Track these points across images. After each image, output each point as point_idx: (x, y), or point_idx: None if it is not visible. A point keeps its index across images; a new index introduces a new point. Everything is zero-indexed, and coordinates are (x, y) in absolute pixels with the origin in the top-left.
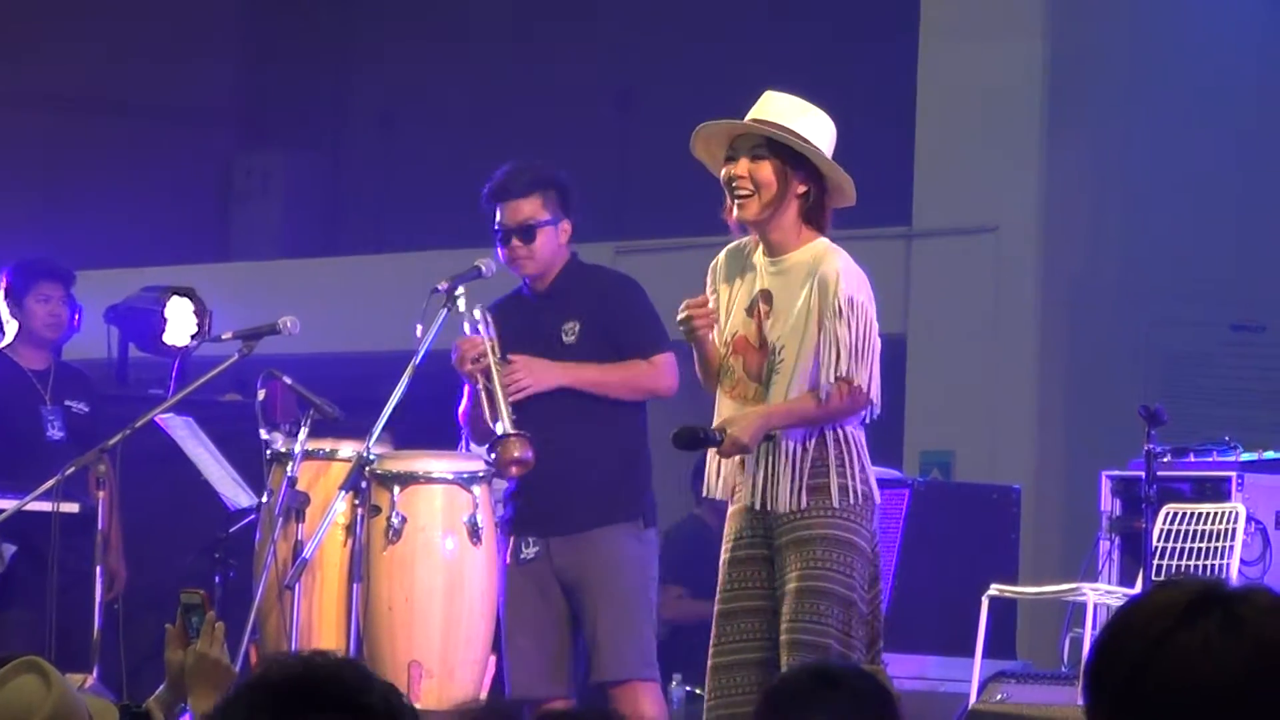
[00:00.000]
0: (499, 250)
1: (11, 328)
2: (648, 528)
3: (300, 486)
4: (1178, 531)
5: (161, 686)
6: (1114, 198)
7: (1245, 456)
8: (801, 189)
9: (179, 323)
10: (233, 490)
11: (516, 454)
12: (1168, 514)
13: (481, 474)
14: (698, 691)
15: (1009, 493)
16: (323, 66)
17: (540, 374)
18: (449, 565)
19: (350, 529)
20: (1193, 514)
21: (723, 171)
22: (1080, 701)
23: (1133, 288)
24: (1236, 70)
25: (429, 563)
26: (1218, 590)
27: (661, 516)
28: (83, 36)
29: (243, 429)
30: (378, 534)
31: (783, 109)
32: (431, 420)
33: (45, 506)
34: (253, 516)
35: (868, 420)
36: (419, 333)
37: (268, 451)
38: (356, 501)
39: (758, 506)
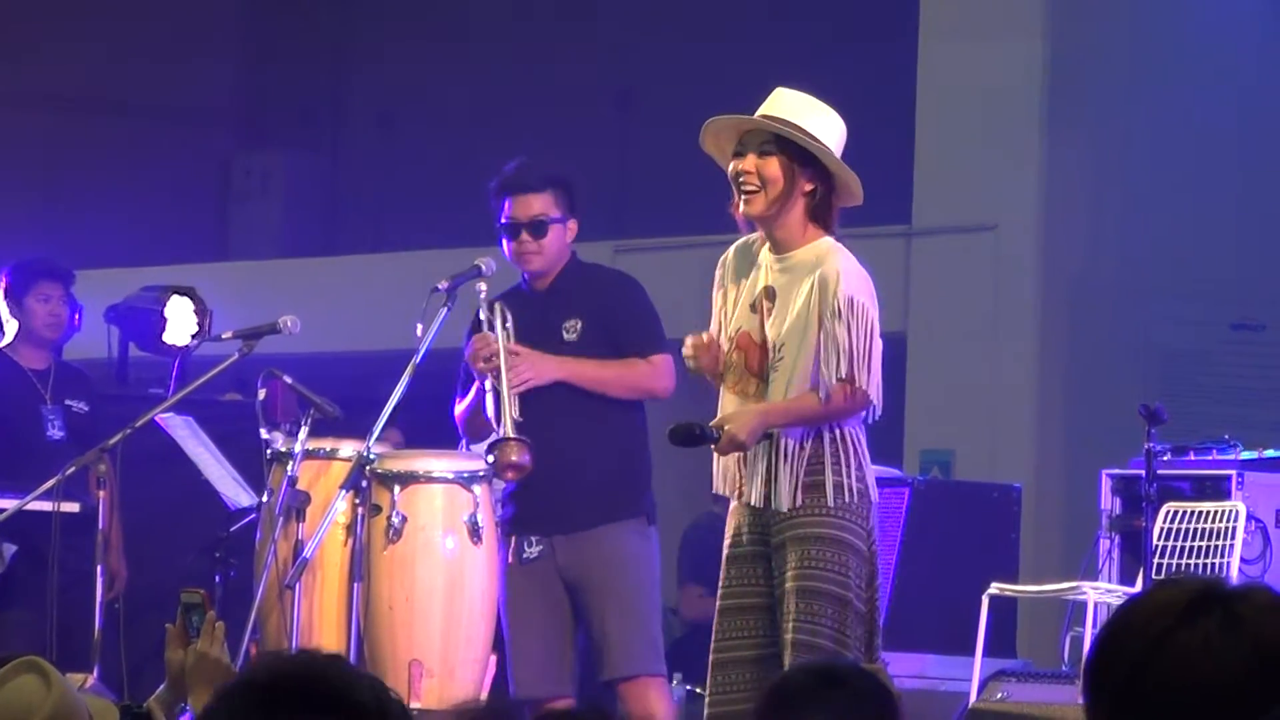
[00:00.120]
0: (505, 244)
1: (11, 327)
2: (650, 525)
3: (301, 486)
4: (1178, 530)
5: (162, 686)
6: (1113, 196)
7: (1245, 455)
8: (808, 187)
9: (179, 322)
10: (233, 490)
11: (514, 458)
12: (1168, 512)
13: (482, 473)
14: (698, 690)
15: (1009, 491)
16: (322, 66)
17: (541, 367)
18: (449, 564)
19: (351, 528)
20: (1193, 512)
21: (730, 166)
22: (1080, 700)
23: (1132, 286)
24: (1235, 69)
25: (429, 562)
26: (1217, 589)
27: (660, 515)
28: (82, 37)
29: (243, 428)
30: (378, 533)
31: (793, 106)
32: (432, 419)
33: (46, 506)
34: (253, 516)
35: (870, 421)
36: (419, 332)
37: (268, 451)
38: (357, 501)
39: (756, 504)
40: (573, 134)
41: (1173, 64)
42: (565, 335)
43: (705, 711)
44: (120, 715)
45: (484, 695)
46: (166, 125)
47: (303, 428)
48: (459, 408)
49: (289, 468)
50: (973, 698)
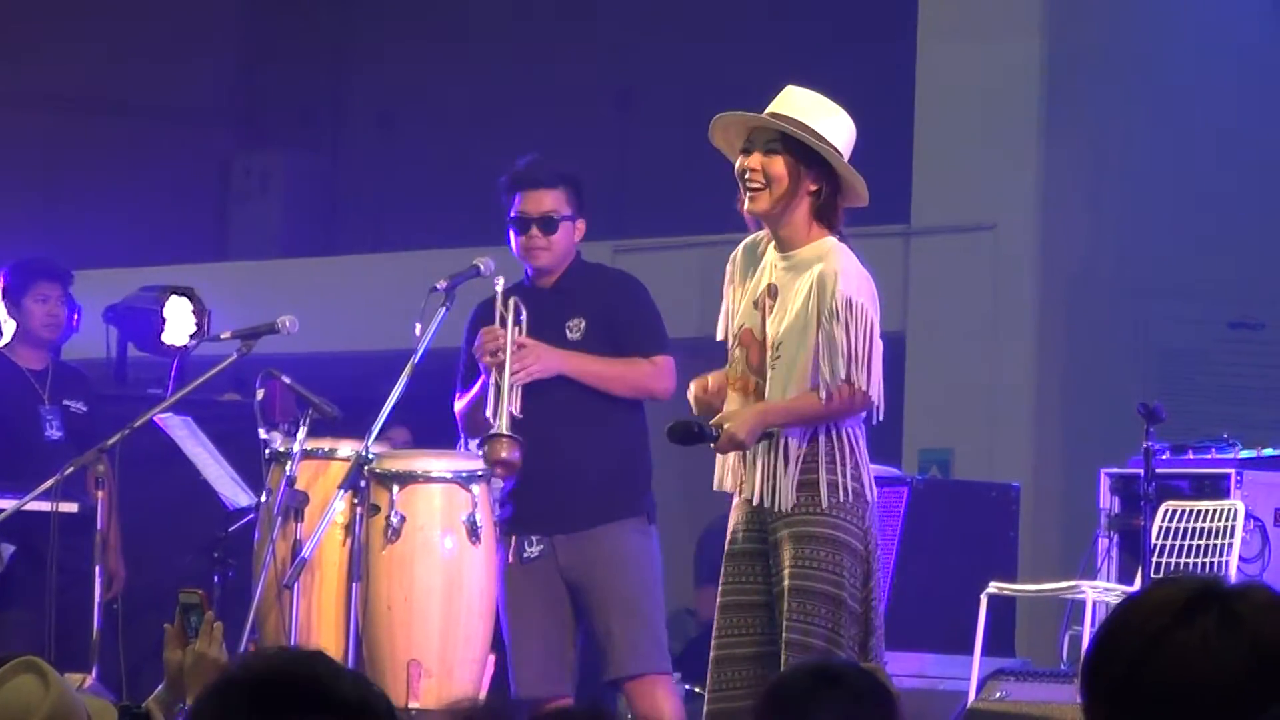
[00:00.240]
0: (513, 238)
1: (9, 328)
2: (650, 524)
3: (299, 486)
4: (1176, 529)
5: (160, 686)
6: (1112, 195)
7: (1244, 454)
8: (813, 187)
9: (178, 322)
10: (232, 490)
11: (504, 455)
12: (1166, 511)
13: (480, 473)
14: (697, 690)
15: (1008, 490)
16: (321, 66)
17: (547, 358)
18: (448, 564)
19: (349, 528)
20: (1191, 511)
21: (737, 163)
22: (1078, 699)
23: (1131, 285)
24: (1233, 68)
25: (428, 562)
26: (1215, 588)
27: (660, 515)
28: (82, 37)
29: (241, 428)
30: (377, 533)
31: (803, 105)
32: (437, 418)
33: (44, 506)
34: (252, 516)
35: (874, 422)
36: (418, 331)
37: (266, 451)
38: (355, 501)
39: (755, 502)
40: (572, 134)
41: (1171, 63)
42: (569, 334)
43: (705, 708)
44: (119, 715)
45: (483, 694)
46: (166, 125)
47: (301, 428)
48: (459, 403)
49: (287, 468)
50: (971, 697)
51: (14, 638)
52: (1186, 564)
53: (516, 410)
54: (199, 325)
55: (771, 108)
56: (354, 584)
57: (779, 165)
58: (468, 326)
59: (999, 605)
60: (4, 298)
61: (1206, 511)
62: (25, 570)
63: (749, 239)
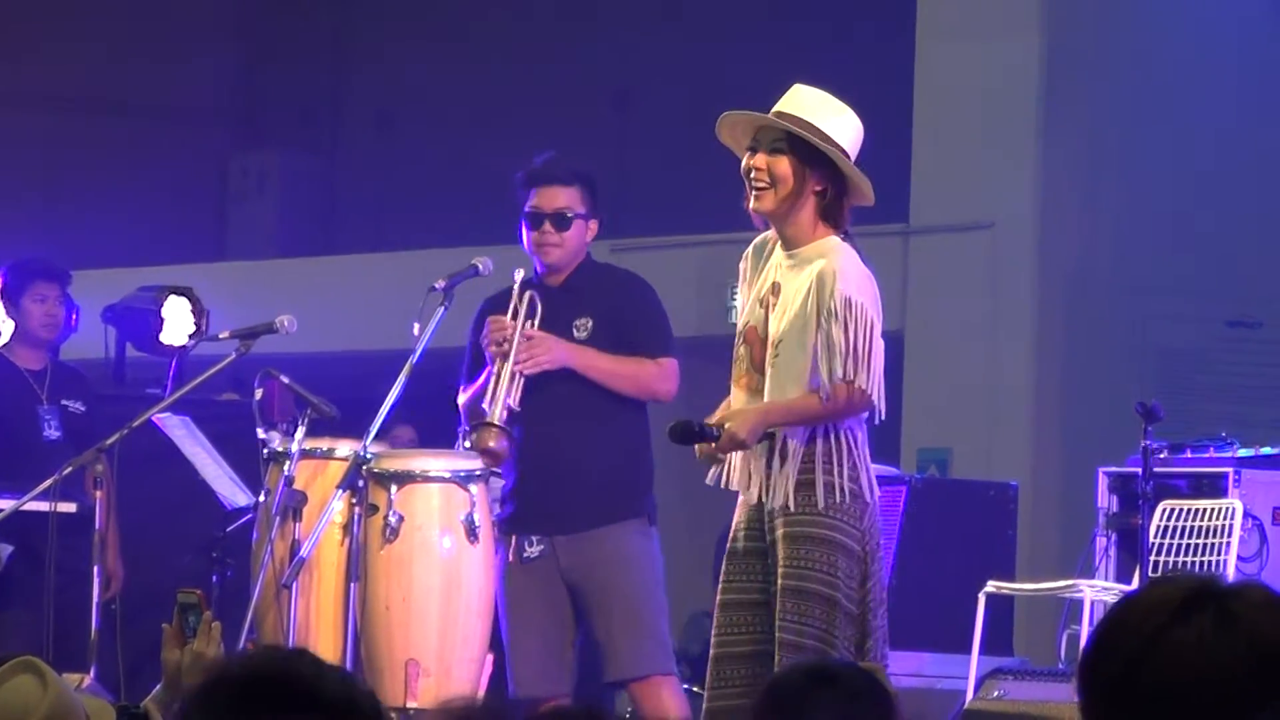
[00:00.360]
0: (525, 233)
1: (7, 328)
2: (651, 526)
3: (297, 485)
4: (1174, 528)
5: (159, 686)
6: (1110, 194)
7: (1242, 452)
8: (819, 187)
9: (176, 322)
10: (230, 489)
11: (491, 444)
12: (1164, 510)
13: (479, 472)
14: (696, 690)
15: (1006, 489)
16: (320, 66)
17: (554, 351)
18: (446, 564)
19: (347, 528)
20: (1189, 510)
21: (743, 161)
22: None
23: (1129, 284)
24: (1232, 67)
25: (426, 561)
26: (1212, 586)
27: (660, 516)
28: (81, 37)
29: (240, 428)
30: (375, 533)
31: (810, 104)
32: (438, 417)
33: (42, 506)
34: (250, 516)
35: (875, 422)
36: (416, 331)
37: (265, 450)
38: (354, 500)
39: (755, 502)
40: (571, 134)
41: (1169, 62)
42: (576, 333)
43: (704, 706)
44: (117, 715)
45: (481, 694)
46: (164, 125)
47: (299, 427)
48: (463, 395)
49: (286, 467)
50: (969, 696)
51: (12, 638)
52: (1184, 563)
53: (515, 403)
54: (197, 325)
55: (778, 106)
56: (352, 584)
57: (784, 165)
58: (475, 318)
59: (997, 604)
60: (2, 298)
61: (1204, 510)
62: (24, 570)
63: (759, 238)
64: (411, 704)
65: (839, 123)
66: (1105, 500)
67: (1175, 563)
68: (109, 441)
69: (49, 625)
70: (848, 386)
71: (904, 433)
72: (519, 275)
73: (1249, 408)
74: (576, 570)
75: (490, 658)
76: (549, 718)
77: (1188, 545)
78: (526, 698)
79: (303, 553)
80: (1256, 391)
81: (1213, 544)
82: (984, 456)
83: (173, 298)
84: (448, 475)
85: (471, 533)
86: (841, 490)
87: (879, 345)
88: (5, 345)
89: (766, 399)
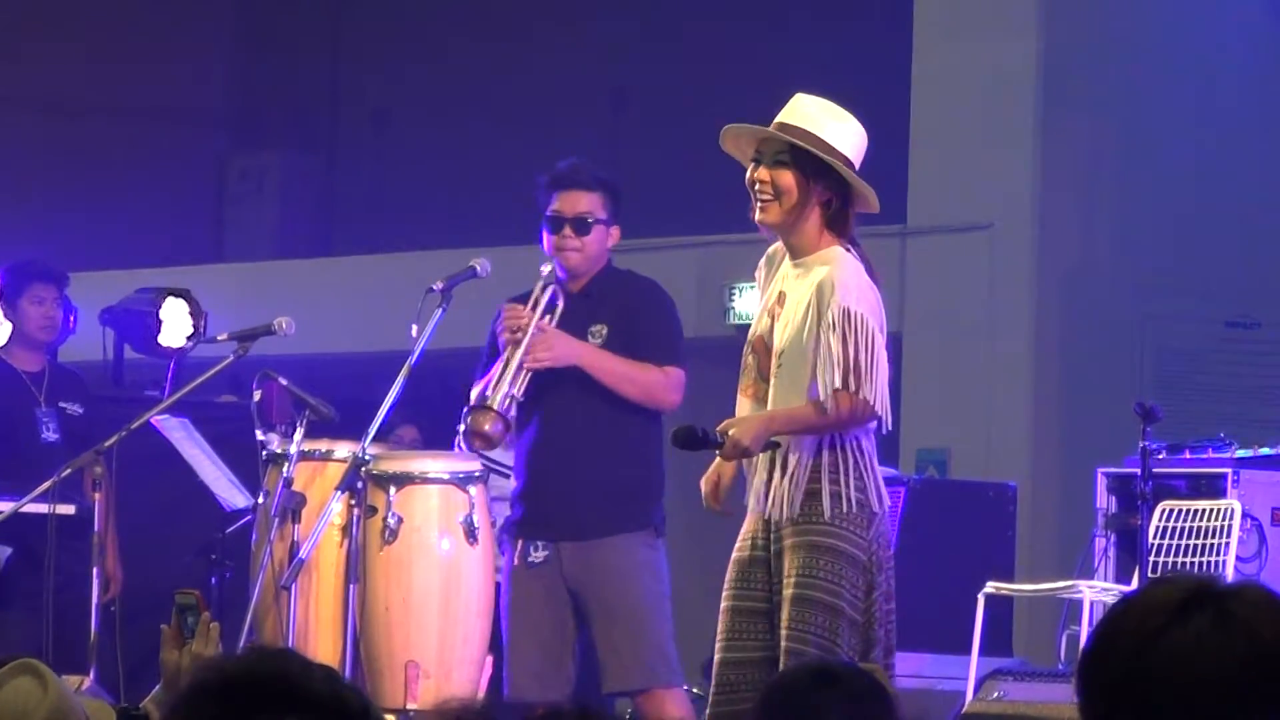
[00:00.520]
0: (546, 237)
1: (5, 330)
2: (658, 538)
3: (296, 487)
4: (1173, 528)
5: (158, 687)
6: (1108, 195)
7: (1240, 453)
8: (824, 197)
9: (174, 324)
10: (229, 491)
11: (486, 428)
12: (1163, 511)
13: (477, 474)
14: (695, 691)
15: (1005, 490)
16: (317, 66)
17: (562, 348)
18: (445, 565)
19: (346, 529)
20: (1188, 511)
21: (747, 173)
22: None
23: (1127, 285)
24: (1231, 67)
25: (425, 563)
26: (1211, 587)
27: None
28: (78, 37)
29: (238, 430)
30: (374, 534)
31: (811, 114)
32: (442, 417)
33: (41, 508)
34: (249, 517)
35: (882, 431)
36: (414, 332)
37: (264, 452)
38: (353, 502)
39: (758, 511)
40: (567, 133)
41: (1167, 62)
42: (591, 340)
43: (707, 711)
44: (117, 717)
45: (480, 695)
46: (161, 126)
47: (298, 429)
48: (477, 387)
49: (284, 469)
50: (969, 697)
51: (12, 640)
52: (1183, 563)
53: (519, 393)
54: (195, 327)
55: (780, 117)
56: (351, 585)
57: (788, 178)
58: (498, 313)
59: (996, 605)
60: (0, 300)
61: (1203, 511)
62: (23, 572)
63: (771, 248)
64: (411, 705)
65: (842, 132)
66: (1104, 501)
67: (1174, 563)
68: (108, 443)
69: (48, 627)
70: (850, 397)
71: (902, 434)
72: (546, 269)
73: (1247, 408)
74: (580, 578)
75: (490, 659)
76: (545, 718)
77: (1187, 546)
78: (519, 701)
79: (302, 554)
80: (1255, 391)
81: (1211, 544)
82: (983, 457)
83: (171, 299)
84: (446, 477)
85: (470, 534)
86: (848, 500)
87: (882, 356)
88: (3, 347)
89: (770, 408)
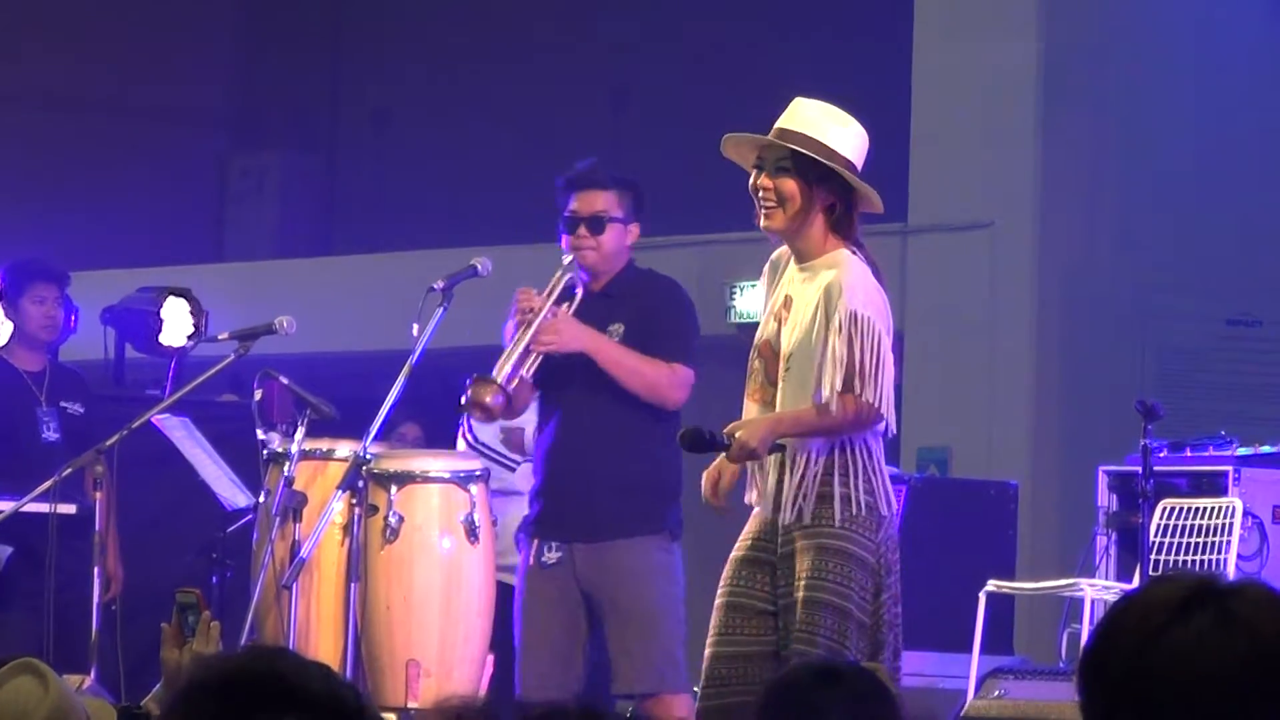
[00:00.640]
0: (562, 238)
1: (6, 329)
2: (673, 542)
3: (297, 486)
4: (1175, 526)
5: (158, 686)
6: (1109, 193)
7: (1241, 451)
8: (828, 202)
9: (175, 323)
10: (230, 490)
11: (486, 399)
12: (1164, 509)
13: (479, 473)
14: (698, 692)
15: (1006, 488)
16: (318, 66)
17: (568, 334)
18: (446, 564)
19: (347, 528)
20: (1189, 509)
21: (750, 180)
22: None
23: (1128, 283)
24: (1231, 66)
25: (426, 562)
26: (1212, 585)
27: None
28: (78, 36)
29: (239, 429)
30: (375, 533)
31: (812, 119)
32: (444, 416)
33: (42, 508)
34: (250, 517)
35: (888, 435)
36: (415, 332)
37: (264, 451)
38: (354, 501)
39: (764, 514)
40: (568, 134)
41: (1168, 61)
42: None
43: (698, 705)
44: (118, 716)
45: (482, 694)
46: (162, 126)
47: (299, 428)
48: None
49: (285, 468)
50: (970, 695)
51: (12, 639)
52: (1185, 561)
53: (528, 375)
54: (196, 326)
55: (781, 123)
56: (352, 584)
57: (790, 185)
58: (514, 299)
59: (997, 603)
60: (0, 299)
61: (1204, 509)
62: (23, 572)
63: (776, 252)
64: (413, 704)
65: (843, 136)
66: (1105, 499)
67: (1175, 561)
68: (108, 443)
69: (49, 626)
70: (854, 399)
71: (904, 432)
72: (568, 259)
73: (1248, 406)
74: (593, 579)
75: (491, 658)
76: (544, 716)
77: (1188, 544)
78: (528, 700)
79: (303, 553)
80: (1256, 390)
81: (1213, 542)
82: (984, 456)
83: (172, 299)
84: (447, 476)
85: (471, 533)
86: (857, 503)
87: (888, 359)
88: (4, 347)
89: (778, 411)
